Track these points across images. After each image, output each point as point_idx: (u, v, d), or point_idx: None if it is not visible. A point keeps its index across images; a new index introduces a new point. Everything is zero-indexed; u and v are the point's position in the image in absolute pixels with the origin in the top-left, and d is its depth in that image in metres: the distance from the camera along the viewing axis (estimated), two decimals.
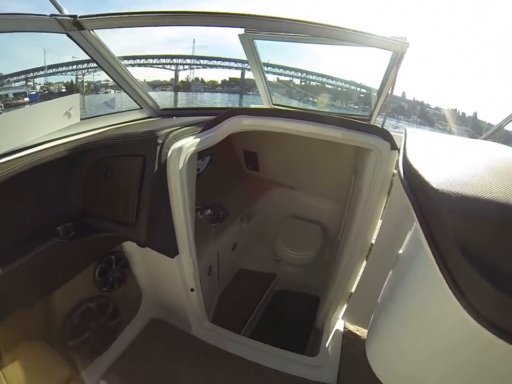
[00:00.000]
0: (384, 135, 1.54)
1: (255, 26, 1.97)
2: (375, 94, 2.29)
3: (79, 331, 1.69)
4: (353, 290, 2.03)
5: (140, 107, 2.25)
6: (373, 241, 1.77)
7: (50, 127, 1.65)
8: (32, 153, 1.44)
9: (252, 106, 3.19)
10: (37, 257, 1.35)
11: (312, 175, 3.21)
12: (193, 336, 2.04)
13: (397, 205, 1.51)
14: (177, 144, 1.55)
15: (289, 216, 3.50)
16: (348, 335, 2.07)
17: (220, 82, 24.02)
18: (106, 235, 1.62)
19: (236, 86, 23.20)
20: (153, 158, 1.49)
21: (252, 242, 3.42)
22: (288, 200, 3.50)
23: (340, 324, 2.16)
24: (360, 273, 1.91)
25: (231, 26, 1.73)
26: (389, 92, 2.03)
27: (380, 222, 1.72)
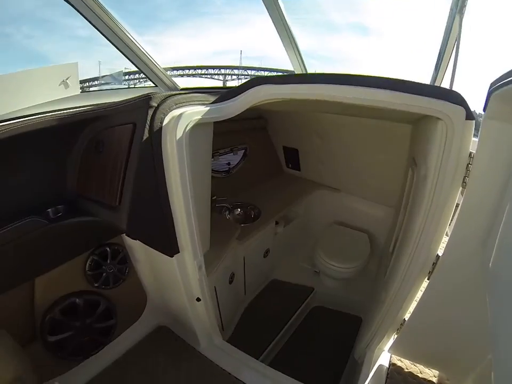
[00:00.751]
0: (456, 98, 1.08)
1: None
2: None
3: (60, 328, 1.49)
4: (407, 316, 1.54)
5: (154, 85, 2.03)
6: (439, 253, 1.29)
7: (44, 96, 1.49)
8: (20, 121, 1.25)
9: None
10: (8, 235, 1.15)
11: (359, 175, 2.77)
12: (201, 354, 1.70)
13: (478, 200, 1.06)
14: (179, 111, 1.25)
15: (333, 222, 3.06)
16: (394, 374, 1.57)
17: None
18: (89, 219, 1.37)
19: None
20: (143, 125, 1.20)
21: (288, 250, 3.02)
22: (332, 204, 3.08)
23: (385, 358, 1.66)
24: (419, 295, 1.43)
25: None
26: (454, 48, 1.57)
27: (450, 225, 1.24)
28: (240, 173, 2.91)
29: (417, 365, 1.60)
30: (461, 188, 1.15)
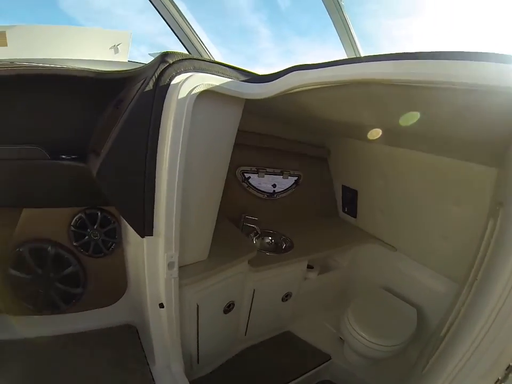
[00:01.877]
0: None
1: None
2: None
3: (22, 266, 1.48)
4: None
5: None
6: None
7: (93, 53, 1.58)
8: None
9: None
10: (8, 152, 1.22)
11: (423, 232, 2.29)
12: (149, 374, 1.44)
13: None
14: (197, 74, 1.14)
15: (380, 286, 2.56)
16: None
17: None
18: (87, 167, 1.30)
19: None
20: (149, 78, 1.10)
21: (316, 303, 2.61)
22: (383, 264, 2.60)
23: None
24: None
25: None
26: None
27: None
28: (286, 202, 2.68)
29: None
30: None
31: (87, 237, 1.54)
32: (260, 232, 2.30)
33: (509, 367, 0.86)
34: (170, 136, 1.11)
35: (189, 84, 1.11)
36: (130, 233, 1.52)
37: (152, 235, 1.22)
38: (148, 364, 1.49)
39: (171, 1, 2.08)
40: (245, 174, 2.33)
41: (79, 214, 1.51)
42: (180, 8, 2.19)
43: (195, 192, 1.35)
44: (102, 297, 1.67)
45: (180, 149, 1.14)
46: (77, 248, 1.54)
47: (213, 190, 1.47)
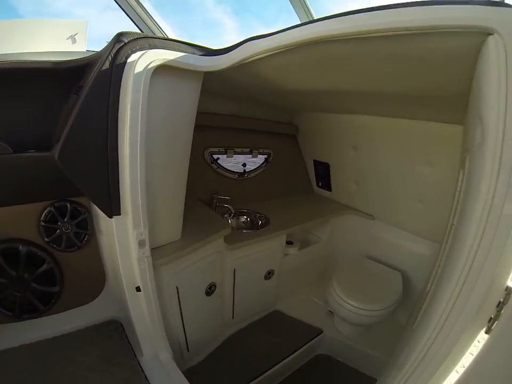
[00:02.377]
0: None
1: None
2: None
3: None
4: None
5: None
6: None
7: (50, 44, 1.57)
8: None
9: None
10: None
11: (399, 198, 2.38)
12: (138, 365, 1.43)
13: None
14: (152, 51, 1.18)
15: (363, 255, 2.65)
16: None
17: None
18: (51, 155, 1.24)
19: None
20: (105, 58, 1.12)
21: (300, 280, 2.68)
22: (363, 234, 2.68)
23: None
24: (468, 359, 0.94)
25: None
26: None
27: None
28: (258, 181, 2.72)
29: None
30: None
31: (58, 231, 1.52)
32: (234, 212, 2.32)
33: (499, 303, 0.85)
34: (129, 113, 1.14)
35: (144, 59, 1.14)
36: (102, 222, 1.52)
37: (120, 214, 1.24)
38: (135, 357, 1.49)
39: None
40: (213, 155, 2.36)
41: (48, 208, 1.48)
42: (145, 6, 2.23)
43: (160, 169, 1.38)
44: (81, 293, 1.65)
45: (139, 126, 1.17)
46: (49, 244, 1.51)
47: (178, 167, 1.50)
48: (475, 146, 0.93)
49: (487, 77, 0.78)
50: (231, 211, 2.29)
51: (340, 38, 0.97)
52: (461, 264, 0.88)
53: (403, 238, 2.43)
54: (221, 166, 2.44)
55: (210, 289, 1.83)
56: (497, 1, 0.75)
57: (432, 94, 1.38)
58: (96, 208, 1.49)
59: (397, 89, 1.44)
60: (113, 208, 1.22)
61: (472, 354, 0.91)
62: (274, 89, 1.76)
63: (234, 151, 2.48)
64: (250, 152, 2.59)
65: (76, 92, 1.32)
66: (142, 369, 1.42)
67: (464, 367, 0.94)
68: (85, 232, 1.58)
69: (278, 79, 1.55)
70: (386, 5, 0.87)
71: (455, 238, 1.13)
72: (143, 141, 1.19)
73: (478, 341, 0.92)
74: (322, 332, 2.27)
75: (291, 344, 2.13)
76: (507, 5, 0.73)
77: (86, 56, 1.35)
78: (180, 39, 1.33)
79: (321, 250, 2.73)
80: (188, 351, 1.80)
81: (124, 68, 1.13)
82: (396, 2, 0.85)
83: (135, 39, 1.17)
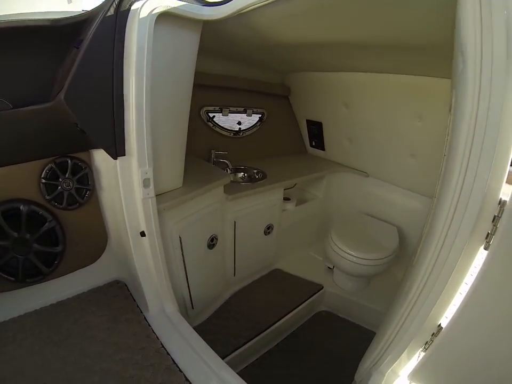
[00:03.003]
0: None
1: None
2: None
3: None
4: (443, 322, 1.13)
5: None
6: (504, 197, 0.89)
7: (45, 5, 1.51)
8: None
9: None
10: None
11: (392, 154, 2.48)
12: (144, 320, 1.48)
13: None
14: None
15: (358, 212, 2.77)
16: None
17: None
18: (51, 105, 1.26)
19: None
20: (109, 5, 1.15)
21: (299, 237, 2.79)
22: (358, 191, 2.80)
23: None
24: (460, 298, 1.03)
25: None
26: None
27: None
28: (253, 139, 2.78)
29: None
30: None
31: (59, 188, 1.51)
32: (231, 167, 2.39)
33: (494, 218, 0.90)
34: (135, 57, 1.18)
35: (148, 6, 1.18)
36: (103, 177, 1.54)
37: (124, 155, 1.27)
38: (141, 312, 1.53)
39: None
40: (209, 113, 2.40)
41: (49, 165, 1.47)
42: None
43: (162, 115, 1.42)
44: (84, 253, 1.67)
45: (144, 70, 1.21)
46: (50, 202, 1.51)
47: (180, 114, 1.55)
48: (458, 74, 0.98)
49: (464, 9, 0.83)
50: (228, 166, 2.35)
51: None
52: (453, 184, 0.94)
53: (397, 194, 2.55)
54: (217, 124, 2.49)
55: (212, 242, 1.90)
56: None
57: (416, 42, 1.43)
58: (97, 163, 1.54)
59: (384, 38, 1.48)
60: (118, 149, 1.25)
61: (472, 275, 0.97)
62: (268, 43, 1.79)
63: (230, 110, 2.53)
64: (245, 111, 2.63)
65: (76, 45, 1.31)
66: (148, 323, 1.47)
67: (467, 284, 0.99)
68: (86, 188, 1.57)
69: (272, 31, 1.60)
70: None
71: (446, 166, 1.15)
72: (149, 84, 1.23)
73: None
74: (322, 287, 2.37)
75: (293, 300, 2.21)
76: None
77: (84, 12, 1.34)
78: None
79: (318, 207, 2.84)
80: (193, 308, 1.87)
81: (128, 15, 1.18)
82: None
83: None
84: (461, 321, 1.02)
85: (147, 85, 1.22)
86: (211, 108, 2.40)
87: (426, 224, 1.53)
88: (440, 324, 1.13)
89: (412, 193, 2.46)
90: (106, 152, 1.26)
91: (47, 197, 1.50)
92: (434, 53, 1.50)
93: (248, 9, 1.30)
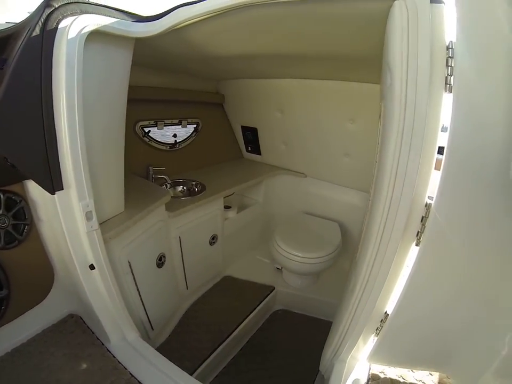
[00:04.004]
0: None
1: None
2: None
3: None
4: (388, 309, 1.31)
5: None
6: (429, 201, 1.07)
7: None
8: None
9: None
10: None
11: (327, 154, 2.68)
12: (108, 351, 1.47)
13: (476, 99, 0.92)
14: (85, 16, 1.18)
15: (301, 212, 2.95)
16: None
17: None
18: None
19: None
20: (35, 24, 1.09)
21: (244, 242, 2.90)
22: (297, 191, 2.98)
23: (361, 370, 1.40)
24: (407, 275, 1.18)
25: None
26: None
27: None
28: (189, 150, 2.81)
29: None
30: (444, 92, 0.97)
31: None
32: (170, 182, 2.40)
33: (422, 218, 1.08)
34: (64, 81, 1.12)
35: (77, 24, 1.14)
36: (41, 209, 1.47)
37: (62, 188, 1.23)
38: (103, 344, 1.50)
39: None
40: (144, 128, 2.39)
41: None
42: None
43: (98, 141, 1.39)
44: (32, 291, 1.58)
45: (75, 93, 1.16)
46: None
47: (116, 137, 1.53)
48: (386, 88, 1.16)
49: (393, 31, 0.99)
50: (167, 181, 2.35)
51: (266, 2, 1.13)
52: (384, 190, 1.10)
53: (335, 191, 2.77)
54: (153, 138, 2.48)
55: (160, 261, 1.91)
56: None
57: (351, 55, 1.60)
58: (33, 194, 1.46)
59: (319, 52, 1.64)
60: (54, 183, 1.19)
61: (408, 266, 1.16)
62: (203, 56, 1.84)
63: (165, 123, 2.53)
64: (180, 123, 2.65)
65: (1, 67, 1.24)
66: (112, 354, 1.44)
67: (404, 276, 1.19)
68: (24, 223, 1.49)
69: (208, 44, 1.65)
70: None
71: (377, 173, 1.34)
72: (81, 109, 1.19)
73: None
74: (274, 288, 2.49)
75: (248, 304, 2.30)
76: None
77: (7, 27, 1.26)
78: (111, 5, 1.34)
79: (259, 212, 2.94)
80: (153, 329, 1.87)
81: (55, 34, 1.11)
82: None
83: (66, 3, 1.16)
84: (403, 306, 1.20)
85: (79, 113, 1.18)
86: (146, 123, 2.39)
87: (364, 221, 1.72)
88: (386, 312, 1.31)
89: (349, 190, 2.70)
90: (42, 188, 1.20)
91: None
92: (367, 63, 1.67)
93: (181, 25, 1.33)
